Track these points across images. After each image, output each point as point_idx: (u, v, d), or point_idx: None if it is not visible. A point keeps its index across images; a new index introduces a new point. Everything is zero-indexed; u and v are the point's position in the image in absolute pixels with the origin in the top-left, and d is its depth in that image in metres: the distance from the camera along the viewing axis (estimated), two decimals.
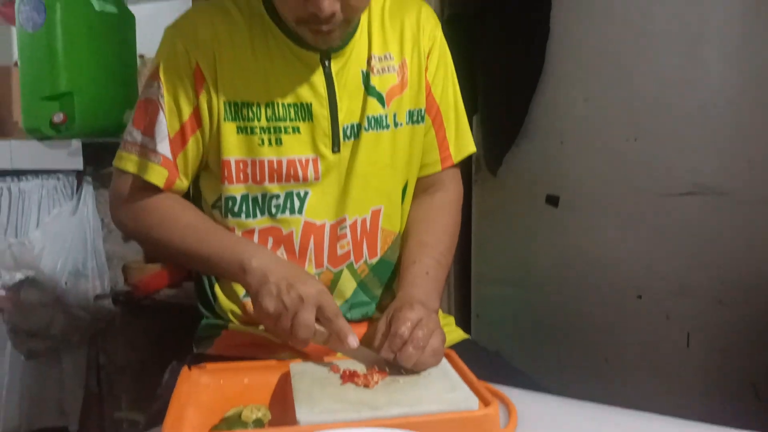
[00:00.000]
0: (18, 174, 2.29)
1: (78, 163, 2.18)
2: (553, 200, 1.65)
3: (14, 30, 3.04)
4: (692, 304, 1.56)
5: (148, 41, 2.57)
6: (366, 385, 0.84)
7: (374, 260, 1.10)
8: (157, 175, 1.01)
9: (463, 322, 1.70)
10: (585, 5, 1.58)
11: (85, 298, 2.21)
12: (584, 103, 1.60)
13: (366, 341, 0.95)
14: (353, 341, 0.90)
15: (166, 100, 1.00)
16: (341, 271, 1.08)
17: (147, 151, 1.01)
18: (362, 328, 1.09)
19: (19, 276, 2.12)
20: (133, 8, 2.50)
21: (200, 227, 1.01)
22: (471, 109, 1.64)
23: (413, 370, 0.88)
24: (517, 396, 0.86)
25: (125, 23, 2.41)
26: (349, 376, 0.86)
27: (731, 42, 1.48)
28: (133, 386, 2.38)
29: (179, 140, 1.01)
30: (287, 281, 0.90)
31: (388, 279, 1.12)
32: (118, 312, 2.31)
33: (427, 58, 1.10)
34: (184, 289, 2.29)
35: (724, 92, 1.49)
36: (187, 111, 1.00)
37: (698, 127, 1.51)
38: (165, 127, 1.00)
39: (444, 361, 0.92)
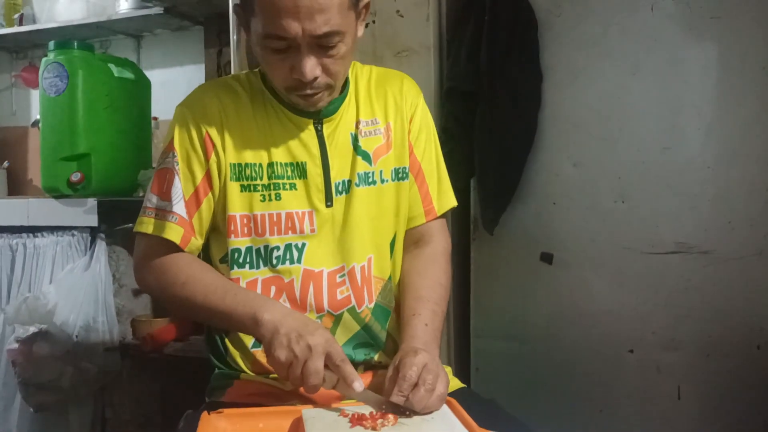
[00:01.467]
0: (34, 230, 2.37)
1: (93, 221, 2.26)
2: (547, 258, 1.73)
3: (33, 93, 3.19)
4: (681, 358, 1.63)
5: (162, 104, 2.72)
6: (374, 428, 0.91)
7: (372, 305, 1.17)
8: (173, 233, 1.10)
9: (463, 375, 1.76)
10: (573, 78, 1.69)
11: (94, 352, 2.26)
12: (574, 168, 1.70)
13: (372, 388, 1.02)
14: (359, 386, 0.97)
15: (180, 167, 1.11)
16: (342, 315, 1.15)
17: (164, 212, 1.11)
18: (367, 377, 1.16)
19: (32, 329, 2.18)
20: (148, 74, 2.63)
21: (220, 286, 1.09)
22: (469, 173, 1.76)
23: (419, 413, 0.95)
24: None
25: (141, 88, 2.54)
26: (357, 420, 0.93)
27: (707, 112, 1.59)
28: None
29: (194, 202, 1.11)
30: (297, 332, 0.98)
31: (386, 324, 1.20)
32: (125, 365, 2.35)
33: (410, 122, 1.21)
34: (191, 343, 2.34)
35: (703, 157, 1.60)
36: (199, 175, 1.11)
37: (679, 190, 1.61)
38: (180, 191, 1.11)
39: (445, 407, 0.99)
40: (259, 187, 1.11)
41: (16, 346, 2.19)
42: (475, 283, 1.84)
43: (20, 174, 3.25)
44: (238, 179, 1.11)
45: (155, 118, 2.67)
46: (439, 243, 1.25)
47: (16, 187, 3.22)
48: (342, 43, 1.02)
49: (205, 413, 0.99)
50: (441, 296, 1.18)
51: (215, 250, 1.17)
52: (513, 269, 1.78)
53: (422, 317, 1.12)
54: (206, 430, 0.96)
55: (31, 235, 2.37)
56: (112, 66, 2.41)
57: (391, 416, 0.94)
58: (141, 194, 2.41)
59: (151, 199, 1.13)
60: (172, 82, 2.82)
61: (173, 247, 1.11)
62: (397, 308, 1.20)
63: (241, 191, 1.11)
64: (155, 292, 1.17)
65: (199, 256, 1.18)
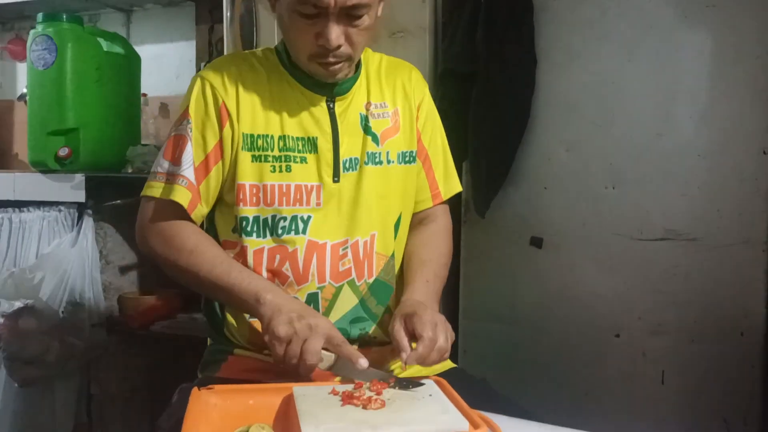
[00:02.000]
0: (20, 205, 2.35)
1: (80, 196, 2.24)
2: (537, 242, 1.74)
3: (19, 66, 3.14)
4: (667, 343, 1.66)
5: (152, 80, 2.68)
6: (364, 406, 0.92)
7: (371, 280, 1.20)
8: (182, 196, 1.11)
9: (451, 356, 1.76)
10: (568, 62, 1.70)
11: (80, 327, 2.24)
12: (566, 153, 1.71)
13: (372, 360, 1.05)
14: (364, 362, 0.98)
15: (193, 134, 1.13)
16: (342, 287, 1.18)
17: (174, 176, 1.12)
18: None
19: (18, 304, 2.16)
20: (138, 49, 2.60)
21: (226, 260, 1.12)
22: (461, 156, 1.76)
23: (416, 385, 0.97)
24: (504, 422, 0.93)
25: (131, 63, 2.50)
26: (348, 398, 0.94)
27: (700, 100, 1.61)
28: (123, 417, 2.40)
29: (203, 169, 1.13)
30: (298, 313, 1.01)
31: (384, 299, 1.22)
32: (112, 342, 2.34)
33: (418, 110, 1.26)
34: (178, 320, 2.34)
35: (694, 145, 1.61)
36: (212, 143, 1.13)
37: (670, 178, 1.63)
38: (191, 156, 1.13)
39: (436, 387, 1.00)
40: (270, 158, 1.13)
41: (1, 320, 2.17)
42: (465, 265, 1.85)
43: (5, 148, 3.20)
44: (250, 149, 1.13)
45: (144, 95, 2.63)
46: (443, 223, 1.31)
47: (1, 161, 3.17)
48: (367, 15, 1.07)
49: (195, 389, 0.99)
50: (442, 264, 1.24)
51: (221, 223, 1.18)
52: (503, 252, 1.80)
53: (425, 275, 1.19)
54: (197, 405, 0.96)
55: (17, 209, 2.34)
56: (101, 40, 2.37)
57: (380, 397, 0.94)
58: (129, 170, 2.38)
59: (162, 164, 1.14)
60: (162, 57, 2.78)
61: (180, 212, 1.12)
62: (399, 286, 1.23)
63: (252, 161, 1.13)
64: (160, 258, 1.16)
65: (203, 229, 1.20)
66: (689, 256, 1.62)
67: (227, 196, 1.16)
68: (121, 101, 2.44)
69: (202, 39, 2.65)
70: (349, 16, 1.05)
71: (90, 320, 2.27)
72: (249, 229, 1.15)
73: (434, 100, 1.75)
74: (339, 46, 1.07)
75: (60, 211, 2.31)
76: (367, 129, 1.19)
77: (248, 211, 1.14)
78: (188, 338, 2.21)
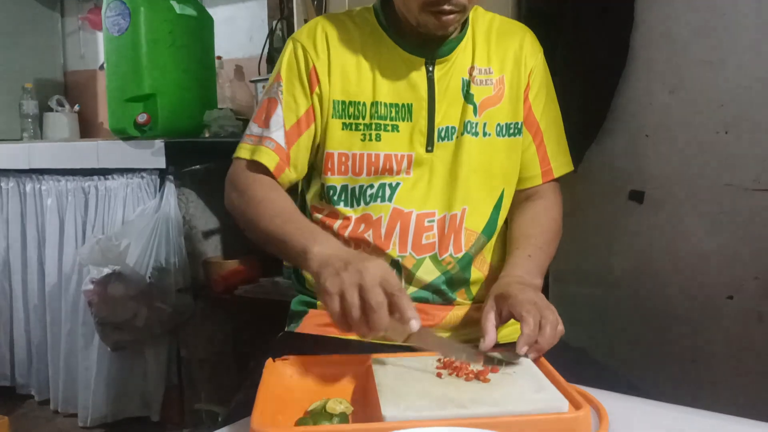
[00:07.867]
0: (104, 173, 2.40)
1: (161, 162, 2.26)
2: (637, 196, 1.61)
3: (99, 36, 3.20)
4: None
5: (225, 43, 2.65)
6: (457, 374, 0.86)
7: (459, 255, 1.14)
8: (268, 158, 1.10)
9: None
10: None
11: (167, 292, 2.30)
12: (670, 95, 1.55)
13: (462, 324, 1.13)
14: (415, 324, 0.85)
15: (284, 97, 1.12)
16: (423, 260, 1.13)
17: (262, 138, 1.12)
18: (445, 311, 1.16)
19: (106, 270, 2.22)
20: (210, 10, 2.57)
21: (287, 211, 1.07)
22: None
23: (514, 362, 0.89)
24: (606, 398, 0.83)
25: (204, 25, 2.49)
26: (446, 365, 0.88)
27: None
28: (212, 379, 2.46)
29: (295, 132, 1.12)
30: (344, 261, 0.88)
31: (471, 275, 1.16)
32: (198, 306, 2.39)
33: (529, 77, 1.18)
34: (261, 285, 2.36)
35: None
36: (303, 107, 1.12)
37: None
38: (281, 119, 1.12)
39: (529, 360, 0.91)
40: (361, 126, 1.12)
41: (91, 286, 2.24)
42: None
43: (91, 117, 3.30)
44: (340, 117, 1.12)
45: (219, 58, 2.61)
46: (552, 200, 1.24)
47: (88, 130, 3.28)
48: None
49: (270, 360, 0.94)
50: (550, 239, 1.18)
51: (309, 189, 1.18)
52: (598, 209, 1.67)
53: (526, 250, 1.13)
54: (272, 378, 0.91)
55: (102, 177, 2.41)
56: (173, 2, 2.37)
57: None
58: (207, 135, 2.38)
59: (251, 128, 1.15)
60: (234, 19, 2.75)
61: (265, 175, 1.12)
62: (499, 265, 1.17)
63: (343, 129, 1.12)
64: (235, 211, 1.14)
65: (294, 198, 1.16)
66: None
67: (316, 162, 1.16)
68: (196, 65, 2.43)
69: None
70: None
71: (176, 285, 2.32)
72: (336, 198, 1.14)
73: None
74: None
75: (143, 177, 2.34)
76: (468, 96, 1.13)
77: (335, 180, 1.13)
78: (270, 302, 2.22)
